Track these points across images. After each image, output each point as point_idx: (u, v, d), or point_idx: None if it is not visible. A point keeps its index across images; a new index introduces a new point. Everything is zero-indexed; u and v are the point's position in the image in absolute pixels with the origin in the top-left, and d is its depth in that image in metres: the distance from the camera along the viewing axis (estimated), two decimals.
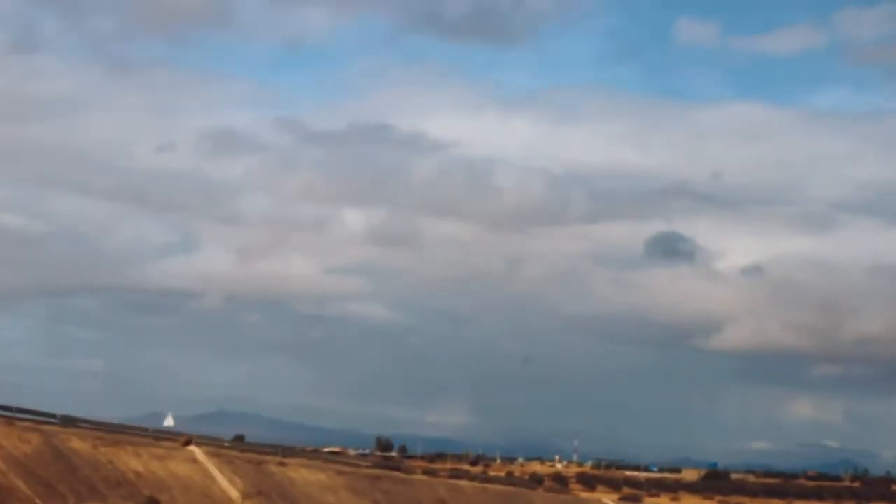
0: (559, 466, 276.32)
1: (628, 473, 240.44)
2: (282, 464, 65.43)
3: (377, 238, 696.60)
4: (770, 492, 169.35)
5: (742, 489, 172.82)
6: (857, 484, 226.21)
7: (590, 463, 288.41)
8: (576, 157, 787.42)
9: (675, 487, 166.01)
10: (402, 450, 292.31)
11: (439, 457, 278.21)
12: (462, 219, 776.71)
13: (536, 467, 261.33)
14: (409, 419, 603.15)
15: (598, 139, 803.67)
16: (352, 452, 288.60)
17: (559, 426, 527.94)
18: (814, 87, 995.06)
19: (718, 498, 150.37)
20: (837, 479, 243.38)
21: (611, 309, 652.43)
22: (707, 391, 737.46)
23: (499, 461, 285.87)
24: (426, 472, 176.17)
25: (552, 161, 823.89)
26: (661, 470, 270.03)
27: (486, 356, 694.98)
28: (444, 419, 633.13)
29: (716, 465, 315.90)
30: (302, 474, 65.01)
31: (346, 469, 67.48)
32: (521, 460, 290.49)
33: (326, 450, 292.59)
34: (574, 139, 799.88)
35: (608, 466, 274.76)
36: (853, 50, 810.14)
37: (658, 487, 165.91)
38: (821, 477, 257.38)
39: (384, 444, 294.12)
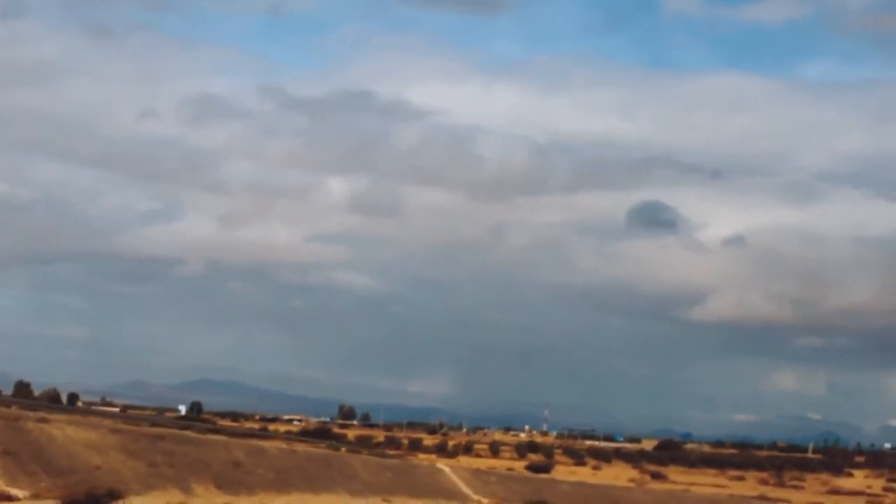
0: (521, 436, 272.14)
1: (588, 443, 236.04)
2: (43, 420, 59.80)
3: (360, 206, 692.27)
4: (709, 462, 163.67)
5: (683, 459, 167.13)
6: (818, 455, 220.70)
7: (554, 433, 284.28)
8: (561, 127, 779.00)
9: (609, 457, 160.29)
10: (365, 418, 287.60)
11: (410, 426, 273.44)
12: (445, 187, 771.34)
13: (498, 436, 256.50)
14: (394, 389, 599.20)
15: (583, 109, 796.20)
16: (313, 420, 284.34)
17: (542, 396, 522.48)
18: (802, 58, 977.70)
19: (650, 467, 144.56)
20: (803, 450, 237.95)
21: (594, 279, 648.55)
22: (691, 362, 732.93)
23: (464, 430, 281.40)
24: (358, 438, 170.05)
25: (537, 130, 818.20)
26: (627, 440, 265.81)
27: (470, 326, 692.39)
28: (428, 389, 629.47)
29: (689, 435, 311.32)
30: (66, 432, 59.30)
31: (124, 428, 61.38)
32: (485, 430, 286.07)
33: (286, 418, 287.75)
34: (559, 109, 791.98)
35: (572, 436, 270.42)
36: (840, 19, 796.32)
37: (597, 456, 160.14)
38: (790, 448, 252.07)
39: (347, 412, 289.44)
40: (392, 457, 77.41)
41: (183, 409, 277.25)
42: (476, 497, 68.70)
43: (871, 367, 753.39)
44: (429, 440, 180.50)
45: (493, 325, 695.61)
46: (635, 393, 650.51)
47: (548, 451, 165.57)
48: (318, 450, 68.34)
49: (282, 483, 61.56)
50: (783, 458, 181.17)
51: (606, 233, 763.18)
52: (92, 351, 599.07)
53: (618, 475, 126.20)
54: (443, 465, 72.32)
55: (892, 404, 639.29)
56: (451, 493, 68.41)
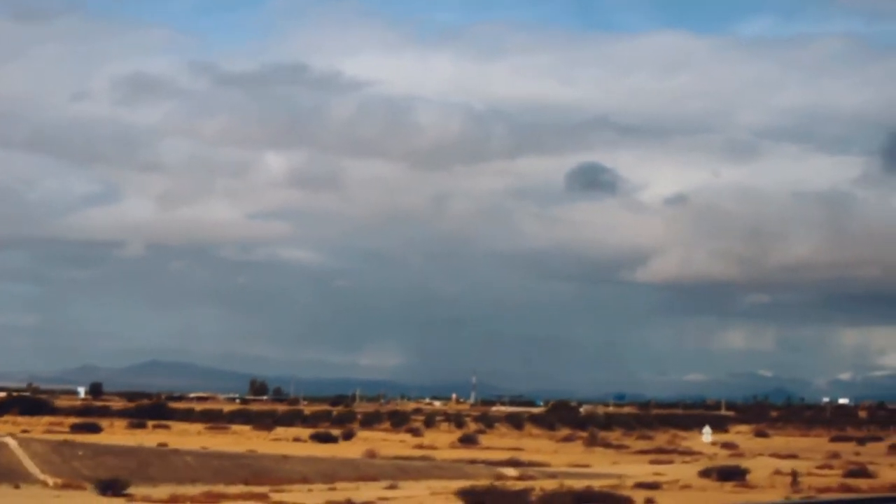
0: (437, 404, 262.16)
1: (498, 409, 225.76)
2: None
3: (299, 181, 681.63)
4: (580, 423, 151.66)
5: (544, 421, 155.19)
6: (731, 413, 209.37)
7: (471, 400, 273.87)
8: (498, 93, 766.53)
9: (463, 422, 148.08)
10: (277, 392, 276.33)
11: (318, 400, 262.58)
12: (385, 158, 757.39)
13: (411, 406, 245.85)
14: (345, 363, 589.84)
15: (520, 74, 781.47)
16: (222, 397, 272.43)
17: (490, 364, 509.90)
18: (738, 15, 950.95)
19: (503, 429, 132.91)
20: (717, 407, 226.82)
21: (537, 244, 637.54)
22: (639, 324, 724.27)
23: (381, 401, 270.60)
24: (203, 412, 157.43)
25: (474, 97, 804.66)
26: (545, 404, 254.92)
27: (418, 296, 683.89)
28: (379, 362, 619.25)
29: (623, 397, 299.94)
30: None
31: None
32: (398, 400, 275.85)
33: (193, 395, 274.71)
34: (496, 75, 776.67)
35: (487, 403, 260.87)
36: None
37: (456, 423, 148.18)
38: (716, 406, 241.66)
39: (258, 388, 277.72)
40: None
41: (82, 392, 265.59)
42: (42, 476, 55.61)
43: (818, 321, 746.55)
44: (281, 409, 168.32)
45: (440, 295, 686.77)
46: (586, 357, 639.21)
47: (402, 418, 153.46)
48: None
49: None
50: (674, 416, 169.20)
51: (547, 197, 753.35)
52: (40, 337, 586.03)
53: (435, 439, 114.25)
54: (9, 438, 58.95)
55: (840, 358, 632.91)
56: (10, 472, 55.25)
